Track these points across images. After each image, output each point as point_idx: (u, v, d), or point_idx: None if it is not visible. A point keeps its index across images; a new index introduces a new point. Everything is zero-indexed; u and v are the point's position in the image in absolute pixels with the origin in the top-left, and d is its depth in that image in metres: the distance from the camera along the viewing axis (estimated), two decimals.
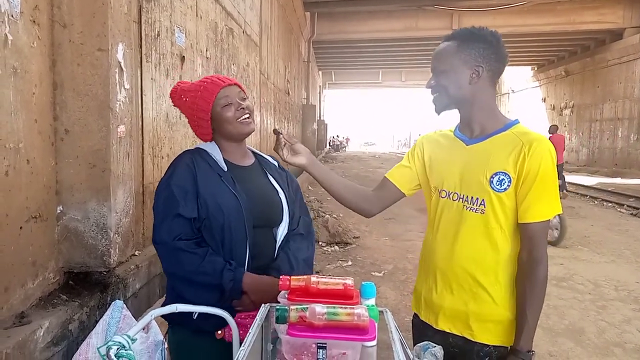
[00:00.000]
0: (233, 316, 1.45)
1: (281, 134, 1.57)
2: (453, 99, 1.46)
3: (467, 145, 1.49)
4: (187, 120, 1.70)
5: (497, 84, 1.51)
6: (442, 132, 1.63)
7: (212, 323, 1.47)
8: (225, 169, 1.59)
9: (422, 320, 1.59)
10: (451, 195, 1.49)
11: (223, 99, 1.59)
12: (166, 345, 1.43)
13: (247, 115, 1.61)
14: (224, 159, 1.62)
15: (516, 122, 1.48)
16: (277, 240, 1.64)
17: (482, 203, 1.42)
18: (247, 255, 1.55)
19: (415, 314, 1.65)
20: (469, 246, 1.45)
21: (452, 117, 1.66)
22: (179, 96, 1.67)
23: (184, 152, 1.66)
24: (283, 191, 1.69)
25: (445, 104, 1.48)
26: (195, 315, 1.51)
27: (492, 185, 1.39)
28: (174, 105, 1.74)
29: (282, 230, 1.66)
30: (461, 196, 1.46)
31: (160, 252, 1.55)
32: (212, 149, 1.63)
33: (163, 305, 1.59)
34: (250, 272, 1.52)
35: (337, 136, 48.38)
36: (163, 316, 1.49)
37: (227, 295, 1.48)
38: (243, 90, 1.66)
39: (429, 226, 1.60)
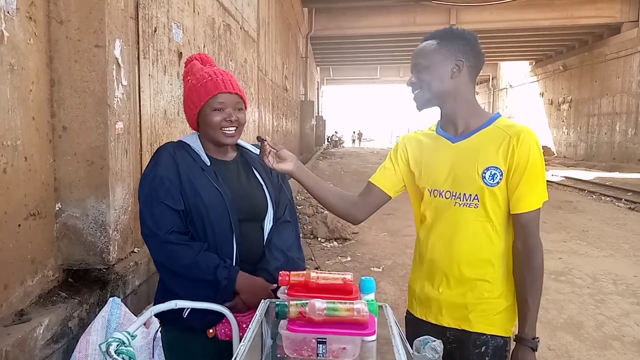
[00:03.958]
0: None
1: (265, 140, 1.53)
2: (435, 94, 1.47)
3: (453, 142, 1.50)
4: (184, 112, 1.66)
5: (476, 81, 1.54)
6: (423, 132, 1.63)
7: (202, 321, 1.46)
8: (209, 163, 1.55)
9: (417, 317, 1.59)
10: (443, 194, 1.49)
11: (216, 104, 1.52)
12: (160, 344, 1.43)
13: (233, 128, 1.55)
14: (206, 153, 1.58)
15: (498, 115, 1.51)
16: (265, 233, 1.62)
17: (476, 198, 1.44)
18: (234, 250, 1.52)
19: (408, 310, 1.65)
20: (468, 241, 1.46)
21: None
22: (187, 71, 1.63)
23: (166, 143, 1.61)
24: (266, 184, 1.66)
25: (427, 99, 1.49)
26: (186, 314, 1.49)
27: (485, 180, 1.42)
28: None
29: (267, 223, 1.63)
30: (454, 194, 1.47)
31: (150, 245, 1.50)
32: (194, 142, 1.59)
33: (155, 299, 1.57)
34: (240, 269, 1.50)
35: (336, 132, 48.71)
36: (156, 315, 1.45)
37: (220, 294, 1.45)
38: (244, 102, 1.60)
39: (421, 225, 1.60)
